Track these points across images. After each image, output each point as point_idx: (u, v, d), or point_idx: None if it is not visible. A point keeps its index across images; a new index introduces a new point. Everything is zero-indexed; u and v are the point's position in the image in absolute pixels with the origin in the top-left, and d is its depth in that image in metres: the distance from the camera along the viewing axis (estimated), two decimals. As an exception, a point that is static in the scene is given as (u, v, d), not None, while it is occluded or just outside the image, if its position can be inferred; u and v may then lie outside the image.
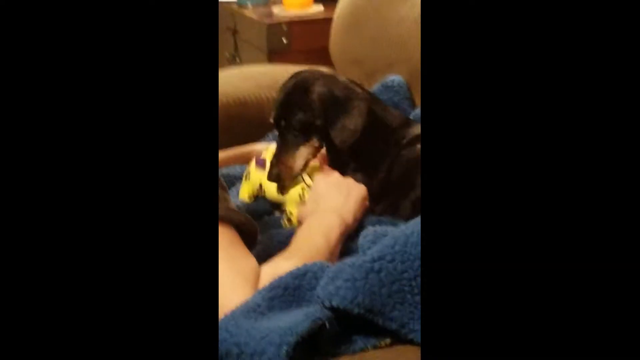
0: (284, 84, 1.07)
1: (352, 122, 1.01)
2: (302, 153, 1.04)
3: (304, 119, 1.02)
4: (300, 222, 0.98)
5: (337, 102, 1.02)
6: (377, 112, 1.08)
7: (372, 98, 1.12)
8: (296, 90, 1.04)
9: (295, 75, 1.08)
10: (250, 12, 2.14)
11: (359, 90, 1.05)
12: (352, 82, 1.10)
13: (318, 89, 1.02)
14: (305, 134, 1.03)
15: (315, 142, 1.04)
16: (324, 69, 1.10)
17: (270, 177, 1.04)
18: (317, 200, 0.97)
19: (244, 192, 1.13)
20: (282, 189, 1.06)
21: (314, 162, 1.06)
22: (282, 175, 1.04)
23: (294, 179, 1.05)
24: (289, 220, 1.05)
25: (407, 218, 0.98)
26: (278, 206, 1.10)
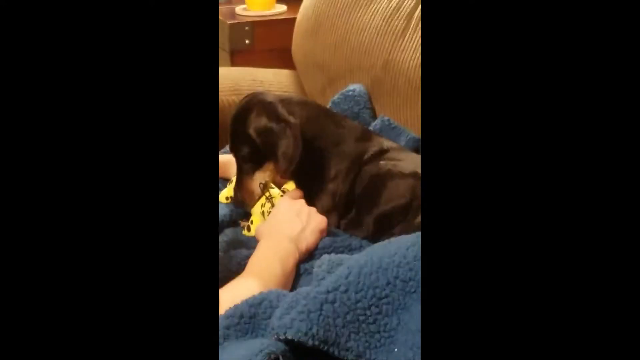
0: (232, 114, 1.09)
1: (289, 150, 1.03)
2: (259, 177, 1.07)
3: (249, 150, 1.05)
4: (257, 238, 1.00)
5: (272, 134, 1.04)
6: (323, 135, 1.10)
7: (322, 114, 1.14)
8: (237, 124, 1.07)
9: (240, 101, 1.10)
10: (213, 10, 2.12)
11: (291, 118, 1.06)
12: (296, 102, 1.11)
13: (253, 122, 1.04)
14: (256, 161, 1.06)
15: (269, 165, 1.06)
16: (268, 94, 1.12)
17: (236, 203, 1.10)
18: (277, 222, 0.98)
19: (224, 194, 1.15)
20: (249, 226, 1.09)
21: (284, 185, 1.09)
22: (245, 200, 1.08)
23: (257, 201, 1.08)
24: (249, 228, 1.09)
25: (369, 234, 1.01)
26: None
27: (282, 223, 0.97)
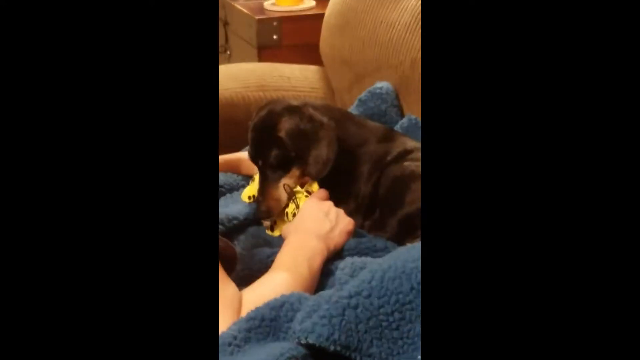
0: (253, 122, 1.07)
1: (323, 152, 1.02)
2: (284, 183, 1.05)
3: (279, 154, 1.03)
4: (283, 237, 0.98)
5: (305, 136, 1.02)
6: (346, 137, 1.08)
7: (344, 117, 1.12)
8: (265, 129, 1.04)
9: (261, 109, 1.07)
10: (241, 4, 2.11)
11: (324, 119, 1.04)
12: (317, 107, 1.09)
13: (285, 125, 1.02)
14: (283, 167, 1.04)
15: (295, 171, 1.04)
16: (291, 100, 1.11)
17: (261, 215, 1.06)
18: (305, 221, 0.97)
19: (246, 193, 1.14)
20: (273, 225, 1.07)
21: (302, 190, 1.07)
22: (271, 210, 1.05)
23: (283, 212, 1.06)
24: (272, 228, 1.07)
25: (393, 236, 1.00)
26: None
27: (311, 222, 0.95)
